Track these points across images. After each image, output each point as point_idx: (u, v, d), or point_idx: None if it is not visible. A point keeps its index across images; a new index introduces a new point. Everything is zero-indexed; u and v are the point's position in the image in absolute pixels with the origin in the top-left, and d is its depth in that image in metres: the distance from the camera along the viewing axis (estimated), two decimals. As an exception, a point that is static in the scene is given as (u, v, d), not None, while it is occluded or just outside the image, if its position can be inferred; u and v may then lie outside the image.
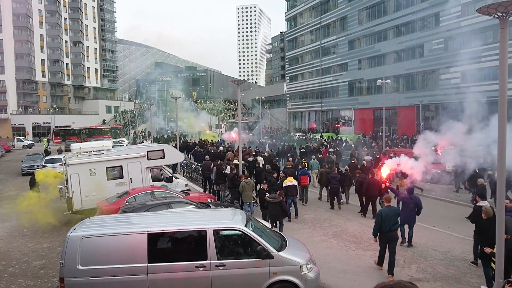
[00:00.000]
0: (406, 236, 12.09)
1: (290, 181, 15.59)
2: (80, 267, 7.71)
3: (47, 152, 37.06)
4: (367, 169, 18.91)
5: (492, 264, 8.34)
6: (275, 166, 20.46)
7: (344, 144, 35.30)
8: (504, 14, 6.53)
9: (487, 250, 8.40)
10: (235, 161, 20.68)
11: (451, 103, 32.03)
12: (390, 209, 10.23)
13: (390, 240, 9.83)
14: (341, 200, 17.57)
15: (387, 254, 9.90)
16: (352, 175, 18.30)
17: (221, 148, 29.86)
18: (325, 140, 41.35)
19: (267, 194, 14.06)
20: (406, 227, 12.16)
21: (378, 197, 15.39)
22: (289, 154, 26.26)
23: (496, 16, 6.62)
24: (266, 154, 25.93)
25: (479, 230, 9.78)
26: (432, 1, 44.09)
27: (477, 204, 10.71)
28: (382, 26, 51.08)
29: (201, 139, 40.19)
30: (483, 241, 9.13)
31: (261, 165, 20.62)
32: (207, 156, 22.41)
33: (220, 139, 40.94)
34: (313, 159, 22.80)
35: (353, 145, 32.85)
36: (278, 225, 13.04)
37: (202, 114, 56.97)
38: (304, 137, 48.09)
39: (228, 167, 18.60)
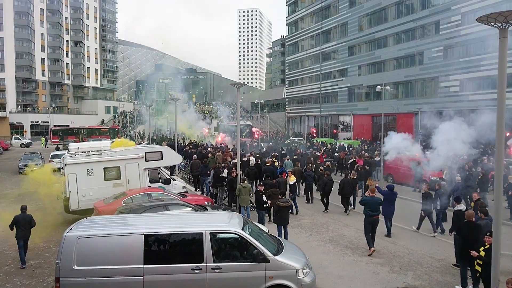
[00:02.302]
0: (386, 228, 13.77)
1: (293, 180, 17.47)
2: (76, 267, 7.69)
3: (58, 149, 38.11)
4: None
5: (477, 267, 8.40)
6: (258, 165, 21.48)
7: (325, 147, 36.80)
8: (503, 23, 6.57)
9: (474, 253, 8.49)
10: (234, 161, 21.50)
11: (450, 111, 32.10)
12: (372, 199, 12.41)
13: (373, 223, 12.11)
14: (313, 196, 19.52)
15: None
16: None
17: (208, 149, 30.64)
18: (310, 144, 42.40)
19: (264, 197, 14.18)
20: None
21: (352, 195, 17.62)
22: (272, 154, 27.56)
23: (495, 25, 6.66)
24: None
25: (460, 232, 9.86)
26: (432, 9, 44.35)
27: (455, 209, 11.55)
28: (383, 32, 51.27)
29: (191, 140, 40.76)
30: (463, 243, 9.30)
31: (251, 164, 21.85)
32: (194, 156, 23.73)
33: (208, 141, 41.76)
34: (287, 159, 24.13)
35: (336, 149, 34.79)
36: (283, 230, 12.92)
37: (189, 113, 54.42)
38: (297, 141, 48.49)
39: (226, 170, 18.63)
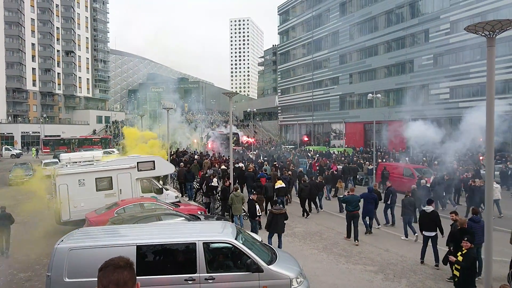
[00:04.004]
0: (369, 225, 15.36)
1: (280, 184, 18.42)
2: (67, 280, 7.57)
3: (55, 157, 38.09)
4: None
5: (456, 272, 8.47)
6: (241, 171, 23.28)
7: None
8: (491, 32, 6.69)
9: (452, 259, 8.57)
10: (223, 167, 24.15)
11: (440, 118, 32.46)
12: (352, 197, 14.58)
13: (353, 217, 14.10)
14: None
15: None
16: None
17: (196, 156, 31.72)
18: (292, 152, 43.85)
19: (257, 206, 14.16)
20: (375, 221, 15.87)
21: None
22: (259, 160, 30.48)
23: (483, 34, 6.78)
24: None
25: (451, 238, 9.92)
26: (421, 18, 44.99)
27: (422, 208, 12.57)
28: (373, 41, 51.85)
29: (178, 148, 40.90)
30: (457, 249, 9.33)
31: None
32: (181, 164, 24.64)
33: (195, 149, 42.41)
34: (266, 165, 26.85)
35: (318, 155, 37.65)
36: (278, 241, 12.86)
37: (173, 119, 52.87)
38: (284, 149, 49.17)
39: (215, 179, 18.71)
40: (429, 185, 19.41)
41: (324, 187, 20.91)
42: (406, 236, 14.49)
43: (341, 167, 27.12)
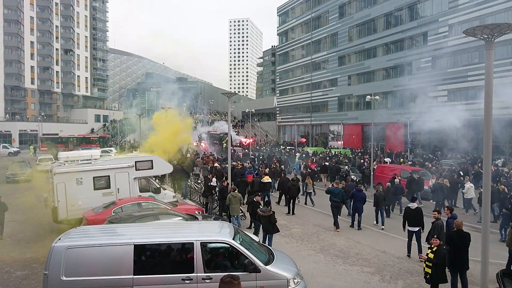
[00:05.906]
0: (356, 222, 16.29)
1: (267, 179, 20.19)
2: (64, 278, 7.56)
3: (56, 156, 38.26)
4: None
5: (427, 269, 8.91)
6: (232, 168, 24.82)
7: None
8: (489, 36, 6.72)
9: (423, 256, 8.77)
10: (215, 164, 25.35)
11: (437, 121, 32.48)
12: (336, 189, 16.37)
13: (337, 207, 16.01)
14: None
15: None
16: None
17: (188, 155, 32.19)
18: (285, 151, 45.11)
19: (261, 207, 14.11)
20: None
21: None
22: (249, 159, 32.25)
23: (481, 38, 6.81)
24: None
25: (450, 241, 10.01)
26: (420, 20, 45.10)
27: (407, 205, 13.17)
28: (372, 43, 51.95)
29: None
30: (454, 251, 9.51)
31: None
32: (174, 162, 24.88)
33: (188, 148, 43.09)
34: (248, 163, 28.24)
35: (303, 157, 38.64)
36: (267, 240, 12.93)
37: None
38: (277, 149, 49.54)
39: (214, 179, 18.74)
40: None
41: (300, 183, 22.26)
42: (377, 222, 16.73)
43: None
